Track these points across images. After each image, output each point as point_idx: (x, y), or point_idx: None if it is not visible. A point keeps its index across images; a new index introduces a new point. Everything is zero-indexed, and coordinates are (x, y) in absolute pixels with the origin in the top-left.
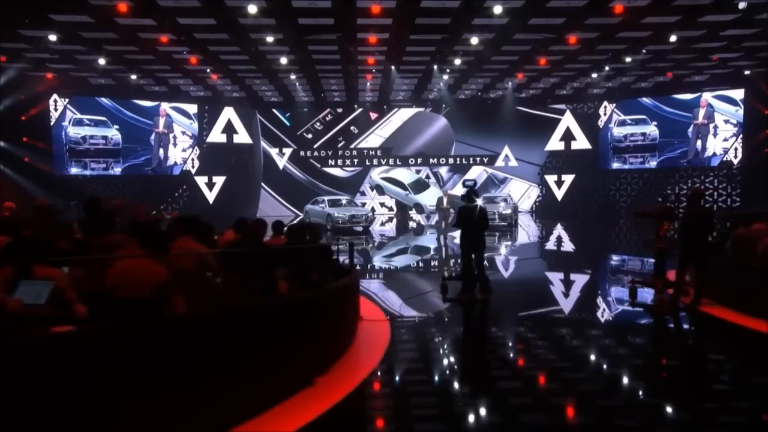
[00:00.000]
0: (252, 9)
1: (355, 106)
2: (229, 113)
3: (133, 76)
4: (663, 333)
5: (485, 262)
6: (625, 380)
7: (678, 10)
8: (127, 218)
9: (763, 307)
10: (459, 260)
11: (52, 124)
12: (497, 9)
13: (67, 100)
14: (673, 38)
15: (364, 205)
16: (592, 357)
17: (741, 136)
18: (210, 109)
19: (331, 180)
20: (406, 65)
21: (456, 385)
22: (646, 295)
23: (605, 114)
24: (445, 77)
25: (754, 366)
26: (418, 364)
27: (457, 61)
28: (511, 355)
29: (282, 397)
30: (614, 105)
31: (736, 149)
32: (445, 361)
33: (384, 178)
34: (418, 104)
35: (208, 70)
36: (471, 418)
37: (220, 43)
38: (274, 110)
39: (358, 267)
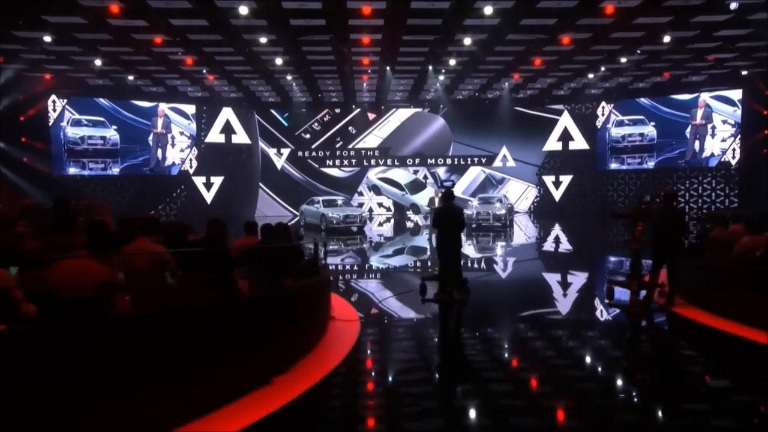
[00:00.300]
0: (243, 10)
1: (353, 106)
2: (227, 113)
3: (131, 77)
4: (629, 334)
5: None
6: (583, 381)
7: (669, 10)
8: (92, 218)
9: (734, 308)
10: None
11: (50, 124)
12: (488, 10)
13: (65, 100)
14: (666, 39)
15: (361, 205)
16: (554, 357)
17: (739, 136)
18: (208, 109)
19: (329, 180)
20: (401, 66)
21: (412, 386)
22: (625, 295)
23: (603, 114)
24: (441, 78)
25: (716, 367)
26: (378, 366)
27: (452, 62)
28: (474, 355)
29: (234, 397)
30: (612, 105)
31: (734, 150)
32: (407, 363)
33: (381, 179)
34: (416, 105)
35: (205, 71)
36: (421, 419)
37: (215, 44)
38: (273, 111)
39: (346, 267)
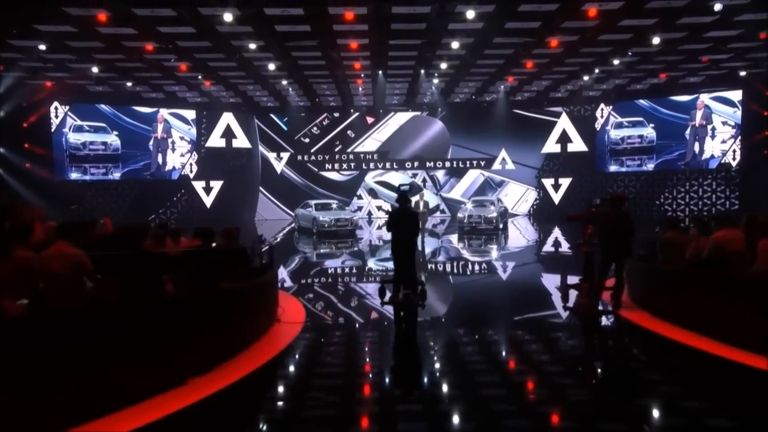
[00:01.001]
0: (227, 17)
1: (351, 110)
2: (228, 118)
3: (129, 84)
4: (569, 337)
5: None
6: (512, 384)
7: (653, 12)
8: (21, 221)
9: (676, 312)
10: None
11: (52, 130)
12: (470, 14)
13: (67, 107)
14: (656, 41)
15: (360, 208)
16: (484, 360)
17: (739, 137)
18: (209, 114)
19: (328, 184)
20: (394, 70)
21: (322, 392)
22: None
23: (602, 116)
24: (436, 81)
25: (654, 371)
26: (298, 371)
27: (443, 66)
28: (407, 362)
29: (142, 397)
30: (611, 107)
31: (734, 151)
32: (334, 367)
33: (378, 182)
34: (414, 108)
35: (200, 77)
36: (333, 423)
37: (205, 51)
38: (272, 115)
39: (320, 269)
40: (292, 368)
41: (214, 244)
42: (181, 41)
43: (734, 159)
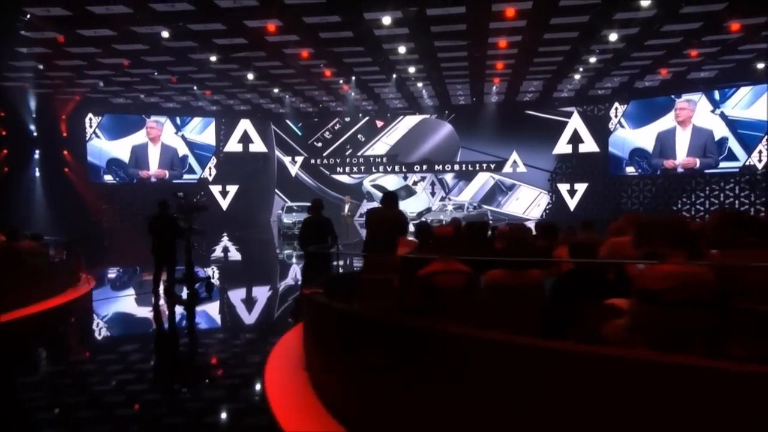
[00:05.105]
0: (165, 33)
1: (360, 115)
2: (245, 125)
3: (142, 96)
4: None
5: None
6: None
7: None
8: None
9: None
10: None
11: (87, 139)
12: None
13: (100, 118)
14: (613, 37)
15: None
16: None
17: (765, 137)
18: (227, 121)
19: (338, 186)
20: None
21: None
22: None
23: (616, 116)
24: (420, 85)
25: None
26: None
27: (412, 69)
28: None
29: None
30: (625, 106)
31: (760, 152)
32: None
33: (373, 185)
34: (421, 111)
35: (195, 88)
36: None
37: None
38: (287, 121)
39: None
40: None
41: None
42: (146, 56)
43: (760, 161)
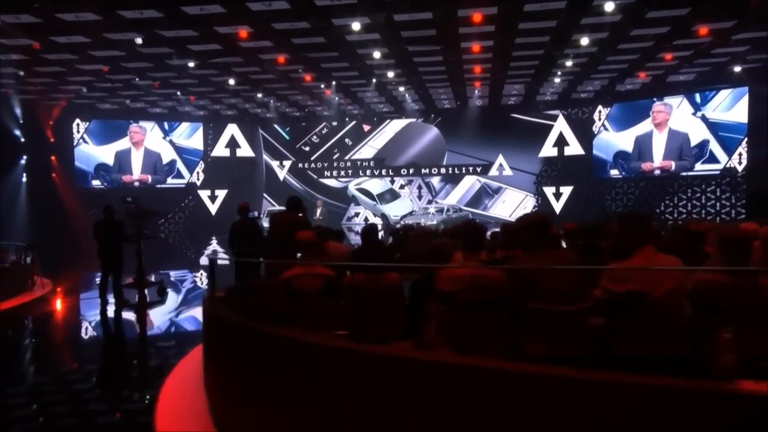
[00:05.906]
0: (139, 40)
1: (347, 119)
2: (232, 129)
3: (127, 101)
4: None
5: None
6: None
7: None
8: None
9: None
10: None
11: (75, 144)
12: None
13: (87, 123)
14: (584, 41)
15: (357, 215)
16: None
17: (745, 139)
18: (214, 126)
19: (326, 190)
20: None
21: None
22: None
23: (600, 119)
24: (402, 89)
25: None
26: None
27: (390, 74)
28: None
29: None
30: (609, 109)
31: (740, 155)
32: None
33: (357, 189)
34: (406, 115)
35: (178, 93)
36: None
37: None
38: (275, 125)
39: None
40: None
41: None
42: (126, 62)
43: (740, 163)
